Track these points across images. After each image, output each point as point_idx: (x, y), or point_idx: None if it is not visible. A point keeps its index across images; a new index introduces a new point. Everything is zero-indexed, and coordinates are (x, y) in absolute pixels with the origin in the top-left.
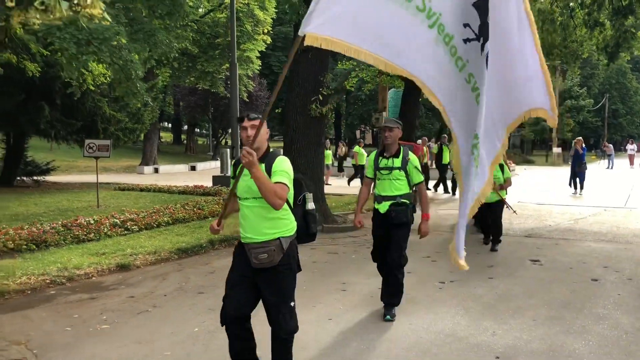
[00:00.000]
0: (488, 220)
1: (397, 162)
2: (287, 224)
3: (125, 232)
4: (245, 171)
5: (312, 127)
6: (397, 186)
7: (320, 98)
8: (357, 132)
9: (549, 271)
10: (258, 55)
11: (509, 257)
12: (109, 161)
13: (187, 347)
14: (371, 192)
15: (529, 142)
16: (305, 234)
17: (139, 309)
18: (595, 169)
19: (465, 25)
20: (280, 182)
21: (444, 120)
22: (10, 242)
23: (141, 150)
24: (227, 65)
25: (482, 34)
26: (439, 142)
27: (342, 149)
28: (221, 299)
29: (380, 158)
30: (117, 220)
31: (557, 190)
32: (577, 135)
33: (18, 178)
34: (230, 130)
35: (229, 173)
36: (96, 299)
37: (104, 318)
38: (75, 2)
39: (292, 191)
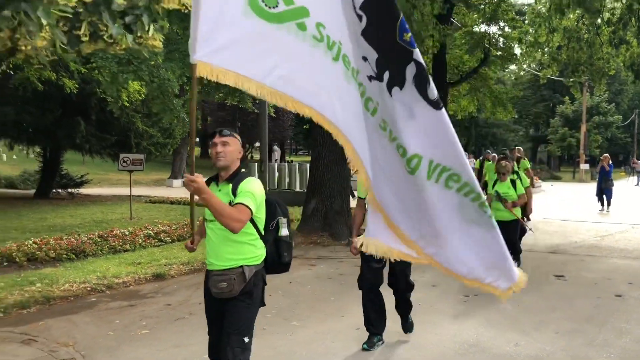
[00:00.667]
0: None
1: None
2: (252, 251)
3: (159, 243)
4: (213, 193)
5: (339, 143)
6: None
7: None
8: None
9: (573, 286)
10: None
11: (534, 273)
12: (140, 174)
13: None
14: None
15: (555, 158)
16: (276, 262)
17: (176, 315)
18: (623, 185)
19: (365, 58)
20: (241, 203)
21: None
22: (52, 252)
23: (170, 164)
24: None
25: (380, 71)
26: (481, 158)
27: None
28: None
29: None
30: (150, 232)
31: (584, 207)
32: (605, 152)
33: (53, 190)
34: (256, 145)
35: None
36: (135, 306)
37: (144, 324)
38: (139, 34)
39: (261, 215)
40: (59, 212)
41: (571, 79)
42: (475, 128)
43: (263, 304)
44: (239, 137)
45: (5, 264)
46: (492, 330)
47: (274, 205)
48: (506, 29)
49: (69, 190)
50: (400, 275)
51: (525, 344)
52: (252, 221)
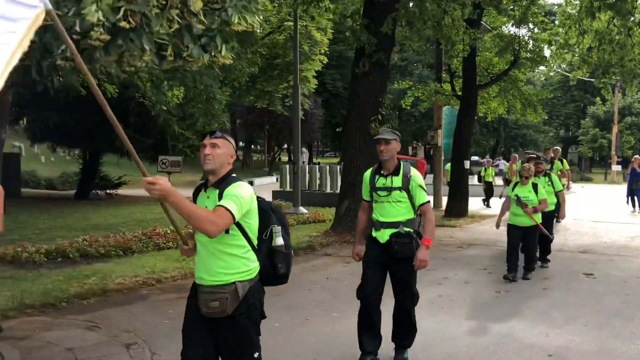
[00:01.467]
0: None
1: (397, 180)
2: (245, 264)
3: None
4: (202, 200)
5: (371, 146)
6: (398, 210)
7: (380, 118)
8: (409, 149)
9: (602, 284)
10: (314, 74)
11: (564, 271)
12: (173, 176)
13: (272, 338)
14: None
15: (587, 160)
16: (271, 275)
17: None
18: None
19: None
20: (221, 206)
21: None
22: (102, 248)
23: (184, 165)
24: (285, 84)
25: None
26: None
27: None
28: (295, 301)
29: (377, 176)
30: (190, 231)
31: (615, 208)
32: (637, 153)
33: (93, 191)
34: (285, 147)
35: (288, 188)
36: (184, 298)
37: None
38: (213, 54)
39: (253, 223)
40: (100, 212)
41: (602, 80)
42: (504, 129)
43: (263, 317)
44: (232, 140)
45: (59, 259)
46: (524, 323)
47: (268, 213)
48: (536, 30)
49: (108, 191)
50: (403, 287)
51: (555, 336)
52: (243, 231)
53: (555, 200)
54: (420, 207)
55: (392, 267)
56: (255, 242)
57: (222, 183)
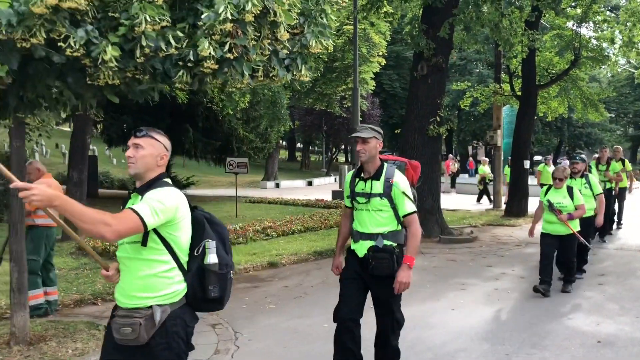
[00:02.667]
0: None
1: (377, 186)
2: (167, 286)
3: (266, 237)
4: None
5: (429, 146)
6: (377, 220)
7: (438, 119)
8: (469, 148)
9: None
10: (372, 76)
11: (621, 268)
12: (238, 177)
13: None
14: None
15: None
16: (199, 298)
17: (294, 295)
18: None
19: None
20: (129, 208)
21: None
22: None
23: (262, 167)
24: (344, 86)
25: None
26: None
27: (455, 165)
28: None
29: (357, 180)
30: (258, 228)
31: None
32: None
33: None
34: (342, 148)
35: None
36: (258, 287)
37: (269, 300)
38: (294, 73)
39: (179, 235)
40: None
41: None
42: (568, 128)
43: (190, 348)
44: (161, 138)
45: None
46: (577, 313)
47: (202, 224)
48: (597, 29)
49: None
50: (384, 310)
51: (606, 325)
52: (167, 245)
53: (594, 205)
54: (404, 218)
55: (372, 285)
56: (183, 259)
57: (148, 189)
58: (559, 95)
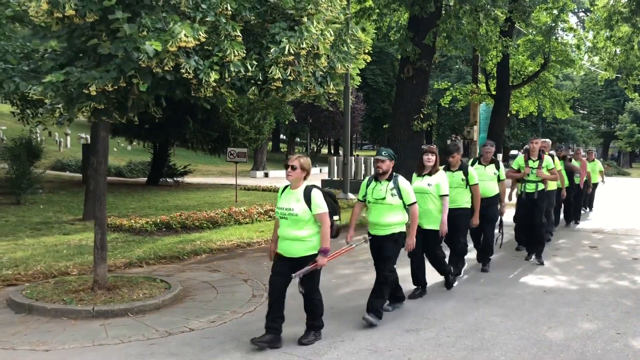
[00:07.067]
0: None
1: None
2: None
3: (269, 218)
4: None
5: (414, 140)
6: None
7: (421, 116)
8: (448, 142)
9: (601, 252)
10: (358, 72)
11: (574, 244)
12: (226, 166)
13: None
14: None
15: (627, 155)
16: None
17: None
18: None
19: None
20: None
21: None
22: (196, 222)
23: (250, 157)
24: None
25: None
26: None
27: None
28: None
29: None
30: (261, 210)
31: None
32: None
33: (161, 179)
34: (326, 139)
35: (336, 177)
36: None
37: None
38: (324, 87)
39: None
40: (174, 195)
41: (627, 81)
42: (542, 124)
43: None
44: None
45: (164, 229)
46: (530, 275)
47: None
48: (565, 37)
49: (175, 179)
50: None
51: (550, 281)
52: None
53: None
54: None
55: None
56: None
57: None
58: (530, 95)
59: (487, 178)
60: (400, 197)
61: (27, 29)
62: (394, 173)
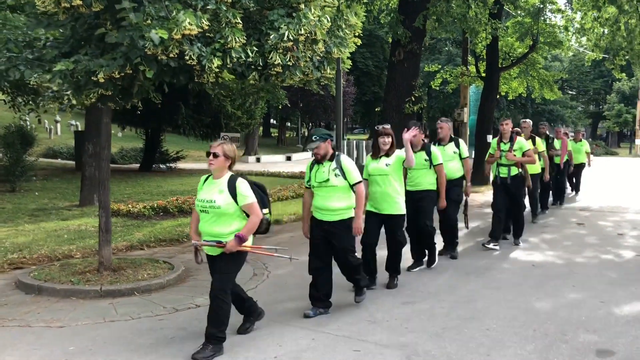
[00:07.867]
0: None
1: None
2: None
3: None
4: None
5: (405, 123)
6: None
7: (413, 99)
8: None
9: (588, 229)
10: (348, 55)
11: (561, 221)
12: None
13: None
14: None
15: (615, 134)
16: None
17: (300, 242)
18: None
19: None
20: None
21: None
22: (193, 206)
23: (242, 142)
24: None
25: None
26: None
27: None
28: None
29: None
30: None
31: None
32: None
33: (154, 165)
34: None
35: None
36: (271, 237)
37: (282, 245)
38: (321, 71)
39: None
40: (167, 181)
41: (614, 61)
42: (532, 105)
43: None
44: None
45: (161, 213)
46: (519, 251)
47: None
48: (553, 18)
49: (168, 164)
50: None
51: (538, 256)
52: None
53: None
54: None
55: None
56: None
57: None
58: (519, 76)
59: (447, 158)
60: (345, 177)
61: (27, 17)
62: (336, 152)
